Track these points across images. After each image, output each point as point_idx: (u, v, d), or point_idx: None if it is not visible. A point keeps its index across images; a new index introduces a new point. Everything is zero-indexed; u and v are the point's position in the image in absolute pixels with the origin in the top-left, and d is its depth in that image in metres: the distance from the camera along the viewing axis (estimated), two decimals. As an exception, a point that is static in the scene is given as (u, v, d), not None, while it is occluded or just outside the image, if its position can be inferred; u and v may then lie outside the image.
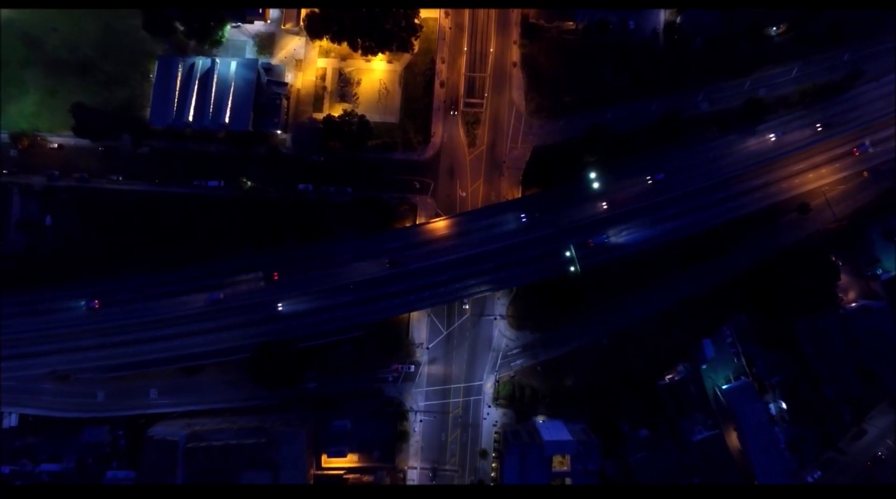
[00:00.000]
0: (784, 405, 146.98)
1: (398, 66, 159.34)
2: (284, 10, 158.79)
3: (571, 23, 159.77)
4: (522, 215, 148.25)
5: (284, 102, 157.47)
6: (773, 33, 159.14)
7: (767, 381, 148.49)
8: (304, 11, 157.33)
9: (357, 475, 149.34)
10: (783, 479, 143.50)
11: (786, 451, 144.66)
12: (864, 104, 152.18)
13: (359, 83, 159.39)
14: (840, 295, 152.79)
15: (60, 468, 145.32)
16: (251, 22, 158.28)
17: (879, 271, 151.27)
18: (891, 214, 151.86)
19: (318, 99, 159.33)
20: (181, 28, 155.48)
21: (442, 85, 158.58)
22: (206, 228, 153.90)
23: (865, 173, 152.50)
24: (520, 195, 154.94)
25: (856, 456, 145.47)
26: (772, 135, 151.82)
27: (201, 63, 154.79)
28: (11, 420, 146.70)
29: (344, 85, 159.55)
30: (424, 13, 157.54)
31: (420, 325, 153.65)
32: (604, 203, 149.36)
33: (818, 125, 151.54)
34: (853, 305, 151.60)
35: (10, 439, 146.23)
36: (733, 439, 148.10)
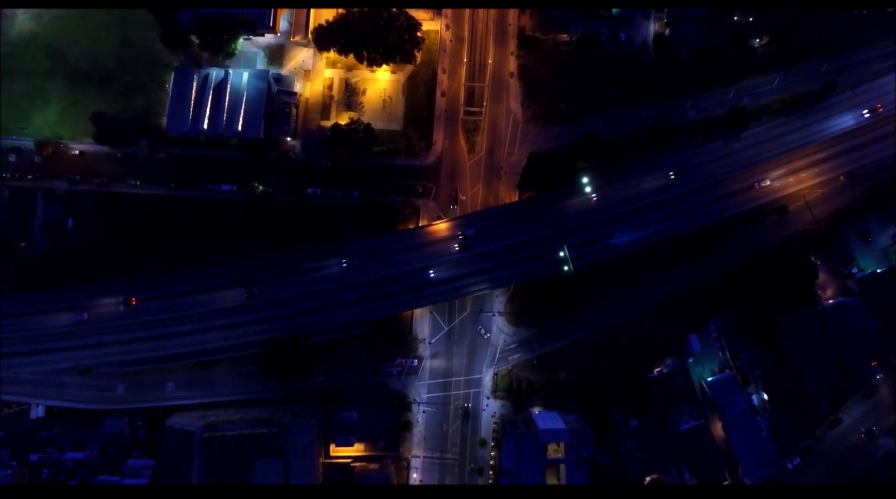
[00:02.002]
0: (765, 396, 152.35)
1: (401, 77, 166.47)
2: (293, 23, 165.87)
3: (565, 35, 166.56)
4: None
5: (294, 111, 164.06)
6: (756, 45, 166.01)
7: (750, 373, 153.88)
8: (311, 24, 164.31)
9: (363, 464, 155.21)
10: (765, 465, 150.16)
11: (767, 439, 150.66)
12: (840, 113, 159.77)
13: (364, 93, 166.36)
14: (818, 292, 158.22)
15: (84, 457, 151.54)
16: (262, 35, 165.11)
17: (855, 270, 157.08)
18: (865, 216, 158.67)
19: (325, 107, 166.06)
20: (196, 41, 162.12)
21: (443, 94, 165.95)
22: (219, 230, 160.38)
23: (842, 178, 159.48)
24: (517, 198, 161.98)
25: (832, 444, 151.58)
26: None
27: (215, 74, 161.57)
28: (38, 411, 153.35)
29: (350, 94, 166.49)
30: (426, 26, 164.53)
31: (423, 321, 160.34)
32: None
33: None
34: (830, 301, 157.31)
35: (37, 429, 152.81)
36: (718, 428, 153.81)
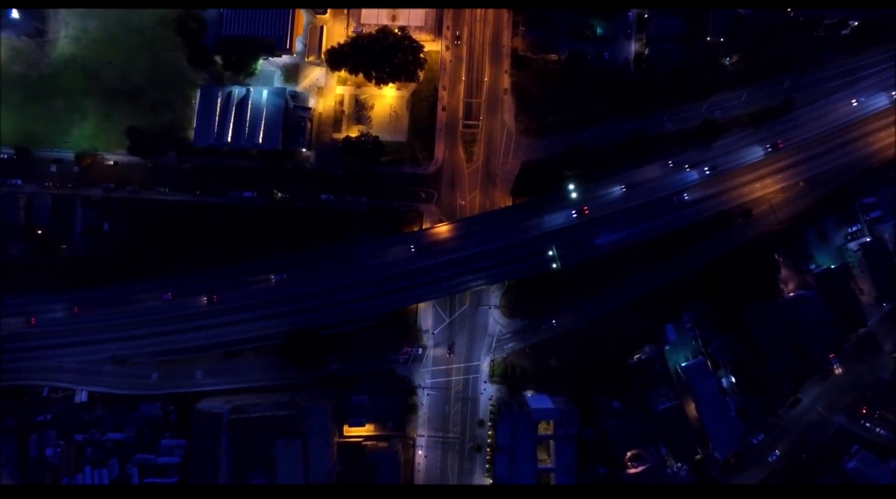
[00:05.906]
0: (733, 379, 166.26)
1: (406, 93, 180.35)
2: (308, 45, 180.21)
3: (554, 55, 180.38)
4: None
5: (308, 124, 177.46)
6: (726, 63, 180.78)
7: (720, 359, 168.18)
8: (324, 46, 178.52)
9: (374, 442, 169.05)
10: (733, 441, 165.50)
11: (735, 418, 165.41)
12: (801, 124, 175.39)
13: (372, 108, 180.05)
14: (781, 286, 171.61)
15: (123, 437, 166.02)
16: (279, 55, 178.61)
17: (813, 266, 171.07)
18: (823, 218, 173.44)
19: (337, 121, 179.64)
20: (219, 61, 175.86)
21: (444, 109, 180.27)
22: (241, 233, 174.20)
23: (802, 183, 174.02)
24: (511, 203, 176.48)
25: (792, 421, 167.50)
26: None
27: (237, 91, 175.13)
28: (82, 396, 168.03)
29: (359, 109, 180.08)
30: (428, 47, 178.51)
31: (426, 314, 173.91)
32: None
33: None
34: (791, 294, 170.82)
35: (81, 412, 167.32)
36: (691, 408, 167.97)
